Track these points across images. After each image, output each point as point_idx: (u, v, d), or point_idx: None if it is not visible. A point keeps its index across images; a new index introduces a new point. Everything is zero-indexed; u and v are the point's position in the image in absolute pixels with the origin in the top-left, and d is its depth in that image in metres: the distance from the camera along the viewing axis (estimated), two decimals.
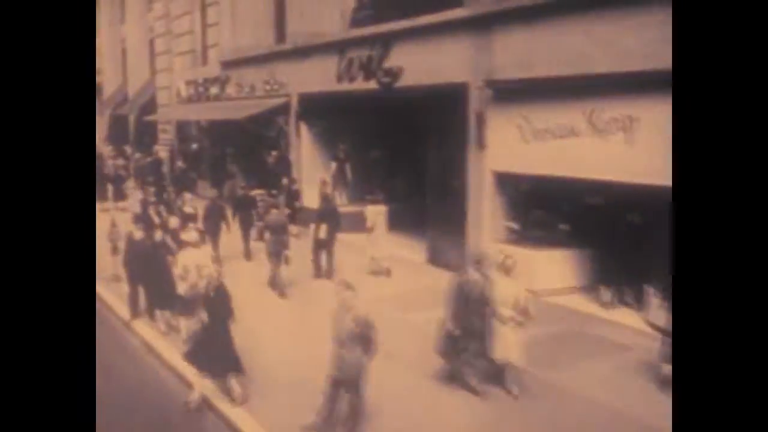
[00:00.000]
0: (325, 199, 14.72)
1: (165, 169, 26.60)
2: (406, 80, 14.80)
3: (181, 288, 9.69)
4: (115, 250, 13.37)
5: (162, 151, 28.00)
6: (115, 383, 9.14)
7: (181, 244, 10.13)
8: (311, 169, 19.16)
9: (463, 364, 8.21)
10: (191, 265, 9.51)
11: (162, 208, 13.25)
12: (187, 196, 13.16)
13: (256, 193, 17.54)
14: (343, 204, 17.96)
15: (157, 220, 12.35)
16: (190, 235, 9.94)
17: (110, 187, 24.62)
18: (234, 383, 8.06)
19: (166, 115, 27.53)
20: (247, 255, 15.35)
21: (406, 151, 17.60)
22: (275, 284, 12.65)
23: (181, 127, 27.38)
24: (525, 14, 11.75)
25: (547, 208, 12.92)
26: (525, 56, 11.84)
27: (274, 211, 13.77)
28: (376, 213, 14.45)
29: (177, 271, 9.79)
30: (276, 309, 11.86)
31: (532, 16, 11.63)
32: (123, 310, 11.81)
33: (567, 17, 11.06)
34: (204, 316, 7.96)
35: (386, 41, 15.18)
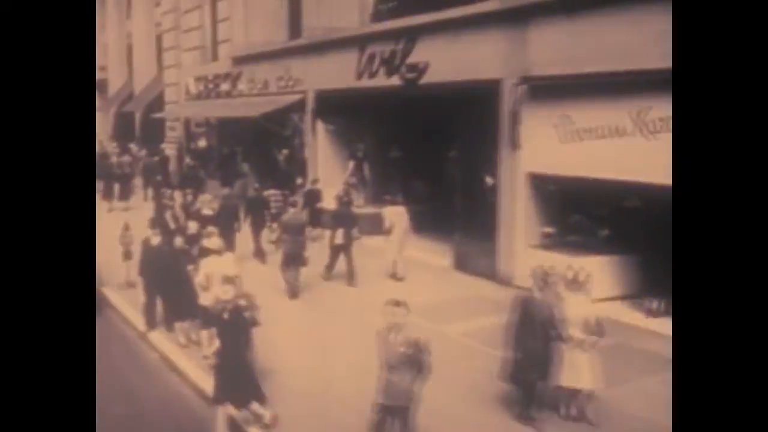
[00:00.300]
0: (341, 200, 14.15)
1: (172, 167, 25.95)
2: (432, 77, 14.08)
3: (204, 298, 8.99)
4: (127, 254, 12.71)
5: (169, 149, 27.31)
6: (135, 404, 8.47)
7: (203, 251, 9.43)
8: (327, 168, 18.45)
9: (526, 391, 7.43)
10: (214, 273, 8.83)
11: (179, 211, 12.49)
12: (206, 197, 12.46)
13: (270, 193, 16.86)
14: (360, 205, 17.31)
15: (174, 224, 11.61)
16: (212, 241, 9.24)
17: (116, 187, 24.04)
18: (260, 409, 7.37)
19: (175, 113, 26.84)
20: (259, 256, 14.88)
21: (427, 151, 16.89)
22: (290, 286, 12.12)
23: (190, 125, 26.66)
24: (566, 5, 11.02)
25: (586, 212, 12.21)
26: (565, 51, 11.12)
27: (290, 211, 13.14)
28: (395, 214, 13.86)
29: (198, 280, 9.08)
30: (290, 313, 11.21)
31: (574, 7, 10.90)
32: (137, 320, 11.15)
33: (613, 8, 10.34)
34: (217, 343, 7.27)
35: (411, 36, 14.45)
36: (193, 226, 10.75)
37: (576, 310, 7.18)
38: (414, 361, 6.14)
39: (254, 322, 7.91)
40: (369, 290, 12.66)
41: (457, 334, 9.99)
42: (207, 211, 11.88)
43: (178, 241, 9.56)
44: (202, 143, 25.77)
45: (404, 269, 13.41)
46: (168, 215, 11.88)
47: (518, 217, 12.46)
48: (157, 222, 10.05)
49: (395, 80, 15.08)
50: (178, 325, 9.74)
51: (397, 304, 6.24)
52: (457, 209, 14.21)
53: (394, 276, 13.34)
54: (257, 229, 15.26)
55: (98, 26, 36.24)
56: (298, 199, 18.13)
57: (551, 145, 11.65)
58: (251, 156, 22.65)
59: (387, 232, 13.68)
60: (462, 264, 13.91)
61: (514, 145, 12.27)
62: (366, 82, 16.04)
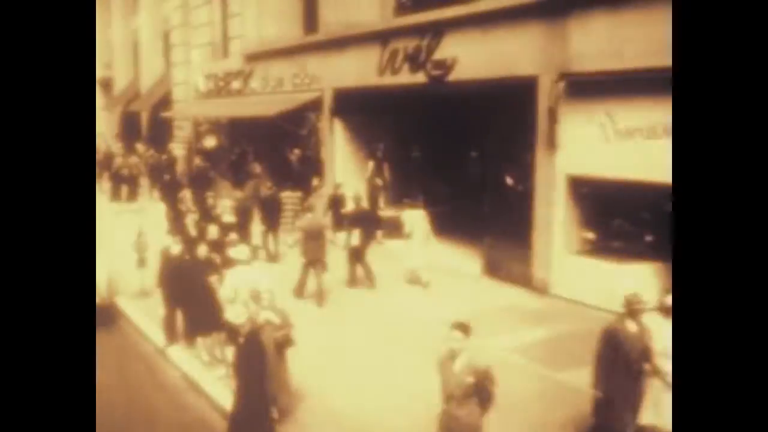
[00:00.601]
0: (358, 202, 13.62)
1: (181, 167, 25.30)
2: (460, 73, 13.37)
3: (230, 313, 8.30)
4: (141, 262, 12.06)
5: (178, 149, 26.65)
6: (155, 428, 7.81)
7: (229, 261, 8.74)
8: (345, 169, 17.74)
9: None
10: (242, 286, 8.15)
11: (198, 217, 11.77)
12: (227, 203, 11.75)
13: (286, 195, 16.20)
14: (380, 207, 16.65)
15: (194, 231, 10.90)
16: (240, 251, 8.54)
17: (124, 188, 23.45)
18: None
19: (184, 112, 26.14)
20: (272, 258, 14.47)
21: (451, 151, 16.20)
22: (315, 293, 11.67)
23: (199, 124, 25.95)
24: None
25: (629, 216, 11.49)
26: (610, 45, 10.40)
27: (308, 215, 12.49)
28: (415, 217, 13.23)
29: (225, 293, 8.39)
30: (312, 324, 10.50)
31: None
32: (154, 333, 10.48)
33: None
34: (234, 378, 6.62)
35: (438, 30, 13.73)
36: (214, 233, 10.04)
37: (666, 338, 6.37)
38: (480, 391, 5.45)
39: (288, 342, 7.25)
40: (393, 299, 12.03)
41: (501, 350, 9.27)
42: (229, 218, 11.16)
43: (201, 250, 8.84)
44: (209, 142, 25.10)
45: (426, 275, 12.80)
46: (188, 222, 11.15)
47: (556, 222, 11.75)
48: (177, 229, 9.32)
49: (420, 77, 14.37)
50: (201, 341, 9.05)
51: (461, 328, 5.53)
52: (486, 212, 13.51)
53: (417, 282, 12.71)
54: (272, 230, 14.80)
55: (103, 23, 35.64)
56: (315, 201, 17.54)
57: (594, 145, 10.93)
58: (262, 156, 21.96)
59: (407, 236, 13.07)
60: (493, 270, 13.22)
61: (552, 145, 11.56)
62: (388, 80, 15.31)
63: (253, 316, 7.18)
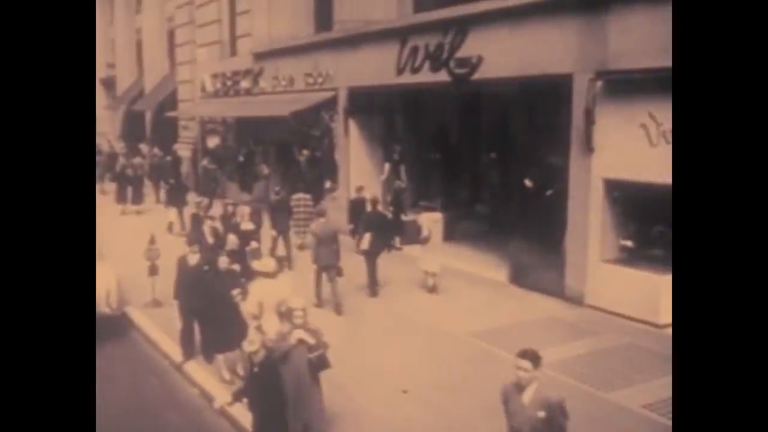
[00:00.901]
0: (374, 204, 13.05)
1: (185, 168, 24.71)
2: (487, 72, 12.73)
3: (254, 331, 7.70)
4: (153, 270, 11.46)
5: (183, 150, 26.04)
6: None
7: (252, 273, 8.12)
8: (360, 171, 17.12)
9: None
10: (268, 300, 7.55)
11: (217, 223, 11.13)
12: (245, 209, 11.13)
13: (299, 197, 15.58)
14: (403, 212, 16.02)
15: (212, 239, 10.26)
16: (265, 263, 7.91)
17: (129, 190, 22.83)
18: None
19: (190, 111, 25.54)
20: (283, 261, 13.64)
21: (473, 153, 15.59)
22: (331, 299, 11.22)
23: (205, 124, 25.33)
24: None
25: (669, 223, 10.88)
26: (654, 41, 9.75)
27: (321, 219, 11.92)
28: (433, 221, 12.72)
29: (249, 308, 7.76)
30: (333, 332, 9.89)
31: None
32: (168, 346, 9.88)
33: None
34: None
35: (463, 26, 13.09)
36: (233, 242, 9.42)
37: None
38: (554, 428, 4.84)
39: (324, 364, 6.62)
40: (417, 309, 11.45)
41: (555, 367, 8.57)
42: (247, 226, 10.53)
43: (223, 261, 8.21)
44: (212, 142, 24.50)
45: (445, 282, 12.39)
46: (205, 229, 10.51)
47: (591, 227, 11.12)
48: (195, 238, 8.68)
49: (442, 76, 13.75)
50: (221, 357, 8.42)
51: (528, 356, 4.92)
52: (512, 217, 12.92)
53: (434, 290, 12.22)
54: (282, 234, 14.31)
55: (106, 21, 35.05)
56: (328, 205, 16.94)
57: (635, 148, 10.30)
58: (271, 157, 21.37)
59: (425, 241, 12.56)
60: (521, 278, 12.59)
61: (588, 147, 10.95)
62: (407, 78, 14.69)
63: (284, 334, 6.59)
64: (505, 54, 12.22)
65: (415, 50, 14.40)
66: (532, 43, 11.65)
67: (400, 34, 14.76)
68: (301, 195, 15.61)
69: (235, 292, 8.17)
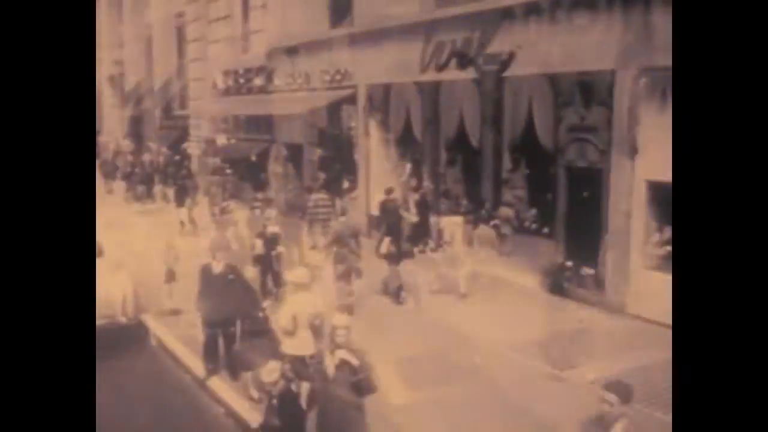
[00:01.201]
0: (393, 207, 12.81)
1: (195, 167, 24.23)
2: (519, 68, 12.18)
3: (287, 346, 7.13)
4: (170, 275, 10.92)
5: (194, 148, 25.54)
6: None
7: (284, 285, 7.55)
8: (380, 171, 16.55)
9: None
10: (302, 315, 6.98)
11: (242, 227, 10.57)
12: (272, 212, 10.56)
13: (318, 197, 15.03)
14: (414, 213, 15.45)
15: (237, 245, 9.70)
16: (298, 273, 7.34)
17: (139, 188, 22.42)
18: None
19: (202, 109, 25.00)
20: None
21: (500, 153, 14.99)
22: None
23: (217, 122, 24.79)
24: None
25: None
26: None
27: (341, 218, 11.43)
28: (454, 225, 12.25)
29: (282, 322, 7.19)
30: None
31: None
32: (189, 358, 9.33)
33: None
34: None
35: (493, 20, 12.50)
36: (258, 246, 8.84)
37: None
38: None
39: (370, 389, 6.04)
40: (446, 316, 10.93)
41: (590, 384, 7.94)
42: (273, 229, 10.00)
43: (250, 271, 7.64)
44: (221, 140, 23.99)
45: (470, 287, 11.88)
46: (229, 234, 9.94)
47: (633, 233, 10.55)
48: (219, 244, 8.12)
49: (470, 73, 13.18)
50: (250, 375, 7.85)
51: (616, 389, 4.34)
52: (544, 220, 12.35)
53: (465, 296, 11.75)
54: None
55: (113, 18, 34.54)
56: (347, 205, 16.43)
57: None
58: (284, 156, 20.83)
59: (447, 245, 12.23)
60: (554, 285, 12.01)
61: (631, 148, 10.36)
62: (432, 76, 14.13)
63: (325, 353, 6.03)
64: (539, 49, 11.61)
65: (440, 46, 13.82)
66: (570, 37, 11.05)
67: (424, 30, 14.17)
68: (319, 195, 15.07)
69: (266, 303, 7.59)
